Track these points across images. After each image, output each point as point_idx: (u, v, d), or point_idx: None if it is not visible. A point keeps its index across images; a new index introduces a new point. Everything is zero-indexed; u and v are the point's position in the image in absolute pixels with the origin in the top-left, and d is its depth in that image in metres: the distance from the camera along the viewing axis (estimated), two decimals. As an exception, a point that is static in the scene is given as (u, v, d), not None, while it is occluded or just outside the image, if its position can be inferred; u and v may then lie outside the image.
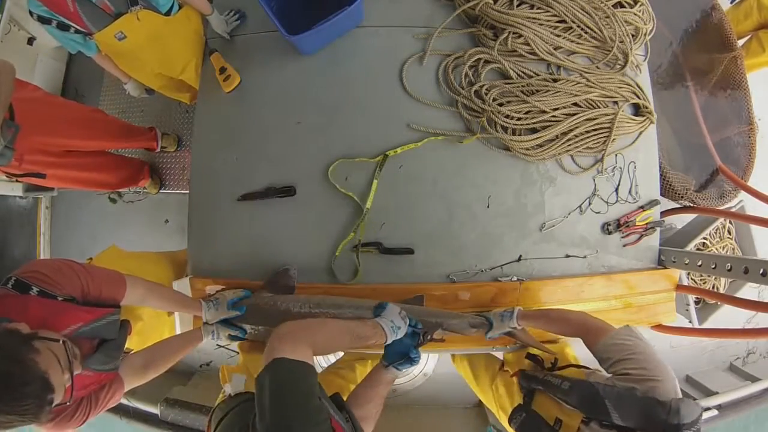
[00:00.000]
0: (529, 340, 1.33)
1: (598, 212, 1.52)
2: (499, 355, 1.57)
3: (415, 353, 1.07)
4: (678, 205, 1.77)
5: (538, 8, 1.45)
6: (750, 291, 2.01)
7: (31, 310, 0.83)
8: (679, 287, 1.58)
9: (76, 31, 1.39)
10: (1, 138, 1.32)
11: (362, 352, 1.53)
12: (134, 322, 1.29)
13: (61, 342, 0.79)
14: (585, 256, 1.51)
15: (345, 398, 0.97)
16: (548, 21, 1.46)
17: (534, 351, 1.34)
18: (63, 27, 1.37)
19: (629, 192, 1.54)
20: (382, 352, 1.10)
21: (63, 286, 0.90)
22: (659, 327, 1.59)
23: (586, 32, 1.49)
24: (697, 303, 1.91)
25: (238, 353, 1.40)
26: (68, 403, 0.82)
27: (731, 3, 2.33)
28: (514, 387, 1.28)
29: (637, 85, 1.54)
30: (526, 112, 1.44)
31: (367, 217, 1.42)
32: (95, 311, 0.95)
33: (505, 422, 1.26)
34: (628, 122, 1.49)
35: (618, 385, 0.87)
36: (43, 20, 1.35)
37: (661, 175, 1.59)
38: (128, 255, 1.53)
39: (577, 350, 1.28)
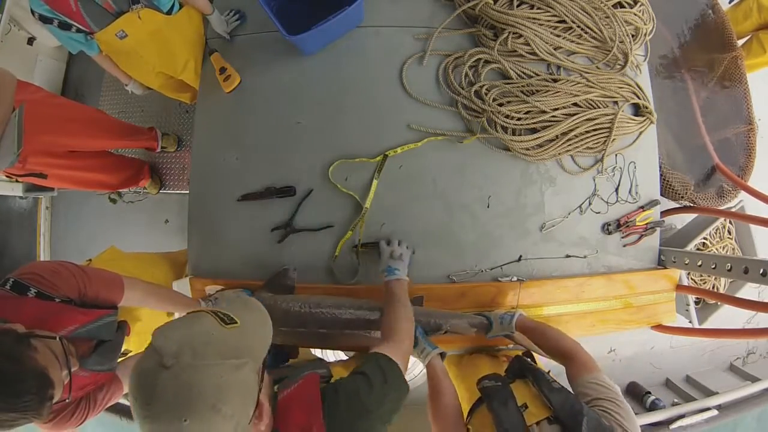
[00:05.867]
0: (527, 344, 1.32)
1: (598, 212, 1.52)
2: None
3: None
4: (678, 205, 1.77)
5: (538, 8, 1.45)
6: (750, 291, 2.01)
7: (27, 311, 0.83)
8: (679, 287, 1.58)
9: (78, 31, 1.39)
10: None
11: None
12: (133, 322, 1.28)
13: (57, 339, 0.79)
14: (585, 256, 1.51)
15: None
16: (548, 21, 1.46)
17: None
18: (64, 26, 1.37)
19: (629, 192, 1.54)
20: None
21: (60, 287, 0.90)
22: (659, 327, 1.59)
23: (586, 32, 1.49)
24: (697, 303, 1.91)
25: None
26: (67, 401, 0.82)
27: (730, 3, 2.33)
28: (500, 364, 1.26)
29: (637, 85, 1.54)
30: (526, 112, 1.44)
31: (366, 216, 1.42)
32: (91, 313, 0.95)
33: (472, 384, 1.15)
34: (628, 122, 1.49)
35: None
36: (45, 20, 1.35)
37: (661, 175, 1.59)
38: (127, 256, 1.53)
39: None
